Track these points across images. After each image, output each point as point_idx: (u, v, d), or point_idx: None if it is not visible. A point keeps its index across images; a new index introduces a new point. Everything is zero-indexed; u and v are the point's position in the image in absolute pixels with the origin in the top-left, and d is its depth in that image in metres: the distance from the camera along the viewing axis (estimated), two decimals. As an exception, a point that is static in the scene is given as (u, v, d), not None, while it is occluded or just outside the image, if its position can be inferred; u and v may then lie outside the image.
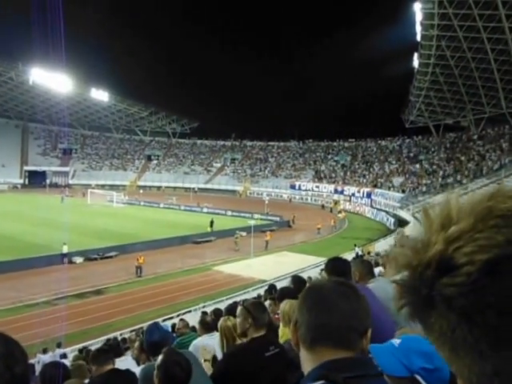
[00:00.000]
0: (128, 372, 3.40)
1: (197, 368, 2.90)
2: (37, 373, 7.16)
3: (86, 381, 4.53)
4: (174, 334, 7.04)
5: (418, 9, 37.00)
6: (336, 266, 3.11)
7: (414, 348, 1.17)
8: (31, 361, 9.71)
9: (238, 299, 14.10)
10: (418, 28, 39.29)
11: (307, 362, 1.01)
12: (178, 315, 14.62)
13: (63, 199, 47.04)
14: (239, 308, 2.92)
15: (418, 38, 40.61)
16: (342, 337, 0.98)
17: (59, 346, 11.79)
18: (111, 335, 13.30)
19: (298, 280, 4.87)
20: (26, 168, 68.46)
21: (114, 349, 6.61)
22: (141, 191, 63.33)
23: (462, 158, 44.98)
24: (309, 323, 1.01)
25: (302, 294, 1.09)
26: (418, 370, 1.05)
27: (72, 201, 48.39)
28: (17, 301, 17.29)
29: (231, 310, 5.26)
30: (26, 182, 67.68)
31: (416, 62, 44.77)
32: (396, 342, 1.25)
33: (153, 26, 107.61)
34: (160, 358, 2.30)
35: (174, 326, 8.28)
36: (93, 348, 11.19)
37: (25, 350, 1.07)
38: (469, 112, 48.78)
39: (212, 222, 32.91)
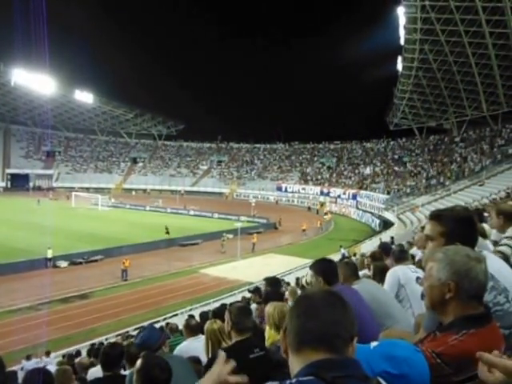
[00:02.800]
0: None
1: (186, 371, 2.91)
2: (19, 380, 7.05)
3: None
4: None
5: (401, 13, 37.59)
6: (323, 267, 3.15)
7: (383, 352, 1.21)
8: (14, 368, 9.54)
9: (225, 302, 14.07)
10: (402, 32, 39.91)
11: (294, 365, 1.05)
12: (165, 319, 14.54)
13: (39, 202, 46.19)
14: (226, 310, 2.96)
15: (402, 41, 41.26)
16: (326, 341, 1.01)
17: (48, 354, 11.56)
18: (96, 340, 13.15)
19: (273, 281, 4.86)
20: (8, 171, 67.23)
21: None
22: (133, 193, 63.16)
23: (445, 160, 45.76)
24: (296, 329, 1.05)
25: (293, 302, 1.13)
26: (380, 373, 1.09)
27: (56, 204, 47.69)
28: (-1, 306, 16.98)
29: (218, 313, 5.27)
30: (9, 185, 66.49)
31: (400, 66, 45.44)
32: (373, 344, 1.29)
33: (138, 27, 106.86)
34: (138, 362, 2.29)
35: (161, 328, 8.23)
36: (82, 351, 11.06)
37: (3, 361, 1.08)
38: (451, 115, 49.66)
39: (167, 229, 30.15)
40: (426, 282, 1.51)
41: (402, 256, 3.85)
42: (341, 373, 0.95)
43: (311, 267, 3.20)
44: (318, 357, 1.00)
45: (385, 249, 5.97)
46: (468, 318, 1.38)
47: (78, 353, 11.51)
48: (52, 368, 6.97)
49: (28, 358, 10.92)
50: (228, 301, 14.09)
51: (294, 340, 1.05)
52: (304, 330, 1.04)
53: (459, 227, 1.83)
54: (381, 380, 1.07)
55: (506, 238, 2.89)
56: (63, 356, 11.14)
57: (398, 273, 3.49)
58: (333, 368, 0.96)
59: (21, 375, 8.01)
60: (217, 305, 13.02)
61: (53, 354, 11.70)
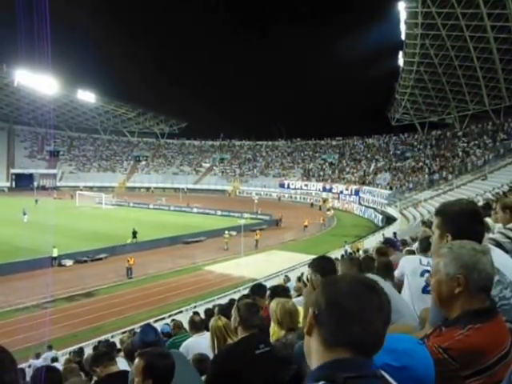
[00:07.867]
0: None
1: (187, 368, 2.94)
2: (27, 377, 7.12)
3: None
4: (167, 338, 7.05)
5: (402, 8, 37.38)
6: (321, 265, 3.19)
7: (385, 345, 1.22)
8: (21, 365, 9.64)
9: (227, 299, 14.11)
10: (403, 27, 39.69)
11: (315, 354, 1.01)
12: (170, 316, 14.61)
13: (37, 201, 46.12)
14: (234, 305, 2.99)
15: (403, 36, 41.04)
16: (364, 347, 0.97)
17: (50, 348, 11.68)
18: (102, 337, 13.24)
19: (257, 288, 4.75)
20: (12, 171, 67.56)
21: (110, 349, 6.60)
22: (142, 190, 63.81)
23: (447, 155, 45.61)
24: (338, 328, 0.98)
25: (334, 291, 1.00)
26: (382, 366, 1.09)
27: (60, 203, 47.85)
28: (5, 305, 17.12)
29: (223, 310, 5.30)
30: (13, 185, 66.83)
31: (401, 61, 45.22)
32: None
33: (139, 26, 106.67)
34: (137, 360, 2.15)
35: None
36: (85, 350, 11.16)
37: (14, 358, 1.10)
38: (453, 109, 49.41)
39: (135, 233, 28.16)
40: (433, 278, 1.49)
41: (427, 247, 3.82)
42: (354, 373, 0.93)
43: (310, 265, 3.25)
44: (344, 355, 0.96)
45: (391, 243, 5.98)
46: (474, 313, 1.39)
47: (81, 350, 11.59)
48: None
49: (37, 356, 11.01)
50: (232, 298, 14.14)
51: (330, 336, 0.98)
52: (347, 333, 0.96)
53: (465, 221, 1.82)
54: (383, 373, 1.08)
55: (505, 228, 2.89)
56: (70, 353, 11.22)
57: (405, 263, 3.56)
58: (348, 368, 0.93)
59: (28, 372, 8.11)
60: (222, 301, 13.09)
61: (59, 352, 11.81)
